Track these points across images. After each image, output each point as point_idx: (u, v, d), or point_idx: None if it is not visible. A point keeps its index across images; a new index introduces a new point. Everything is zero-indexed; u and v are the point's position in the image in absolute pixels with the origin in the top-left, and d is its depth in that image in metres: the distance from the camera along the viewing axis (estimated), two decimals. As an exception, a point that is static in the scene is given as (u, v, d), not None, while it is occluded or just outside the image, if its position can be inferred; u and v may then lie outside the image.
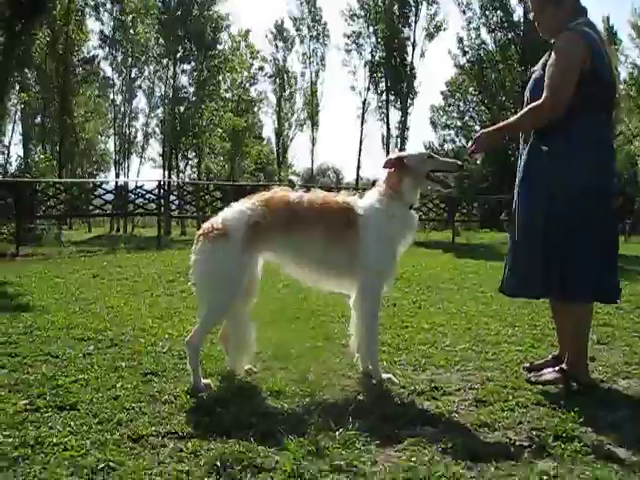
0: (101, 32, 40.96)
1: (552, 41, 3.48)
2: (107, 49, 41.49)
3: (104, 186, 17.35)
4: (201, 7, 38.86)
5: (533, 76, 3.55)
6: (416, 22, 40.58)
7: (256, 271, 3.54)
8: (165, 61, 39.63)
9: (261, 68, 47.06)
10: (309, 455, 2.43)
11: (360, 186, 30.63)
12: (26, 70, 33.57)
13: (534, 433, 2.72)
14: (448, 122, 46.54)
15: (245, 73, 44.72)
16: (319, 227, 3.42)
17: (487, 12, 37.85)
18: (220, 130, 39.57)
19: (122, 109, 43.44)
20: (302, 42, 47.92)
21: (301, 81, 49.14)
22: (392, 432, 2.70)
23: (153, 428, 2.68)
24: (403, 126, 41.16)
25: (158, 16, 38.08)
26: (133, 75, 42.52)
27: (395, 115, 41.93)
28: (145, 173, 51.16)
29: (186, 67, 39.66)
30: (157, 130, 43.02)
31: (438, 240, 17.99)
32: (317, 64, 47.84)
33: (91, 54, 41.23)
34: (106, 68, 42.83)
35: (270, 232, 3.37)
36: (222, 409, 2.93)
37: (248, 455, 2.40)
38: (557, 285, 3.34)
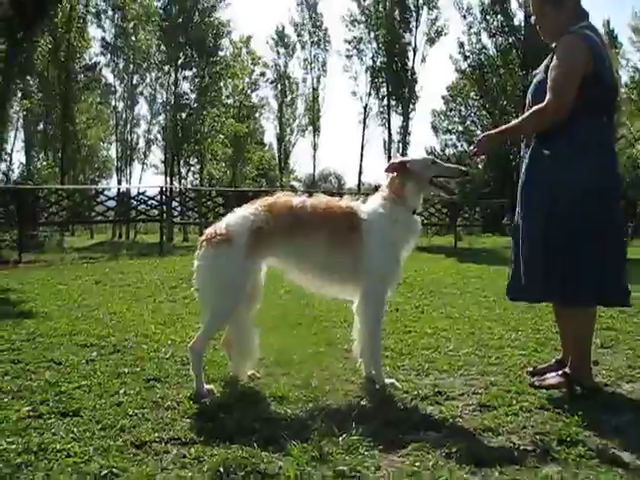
0: (103, 39, 41.17)
1: (553, 45, 3.49)
2: (109, 56, 41.60)
3: (106, 193, 17.52)
4: (202, 14, 38.91)
5: (535, 79, 3.55)
6: (417, 27, 40.64)
7: (259, 277, 3.53)
8: (167, 68, 39.65)
9: (262, 74, 47.19)
10: (312, 460, 2.42)
11: (362, 191, 30.63)
12: (28, 77, 33.60)
13: (538, 437, 2.71)
14: (449, 127, 46.45)
15: (246, 79, 44.82)
16: (322, 232, 3.41)
17: (488, 17, 37.83)
18: (222, 136, 39.59)
19: (124, 116, 43.55)
20: (303, 48, 48.09)
21: (302, 87, 49.36)
22: (395, 437, 2.69)
23: (156, 434, 2.68)
24: (405, 131, 41.16)
25: (159, 23, 38.17)
26: (135, 82, 42.62)
27: (396, 120, 41.99)
28: (147, 180, 51.17)
29: (187, 74, 39.71)
30: (159, 137, 43.12)
31: (440, 245, 18.00)
32: (318, 70, 47.99)
33: (93, 61, 41.40)
34: (108, 75, 43.06)
35: (273, 237, 3.36)
36: (225, 415, 2.92)
37: (251, 461, 2.39)
38: (558, 289, 3.33)
